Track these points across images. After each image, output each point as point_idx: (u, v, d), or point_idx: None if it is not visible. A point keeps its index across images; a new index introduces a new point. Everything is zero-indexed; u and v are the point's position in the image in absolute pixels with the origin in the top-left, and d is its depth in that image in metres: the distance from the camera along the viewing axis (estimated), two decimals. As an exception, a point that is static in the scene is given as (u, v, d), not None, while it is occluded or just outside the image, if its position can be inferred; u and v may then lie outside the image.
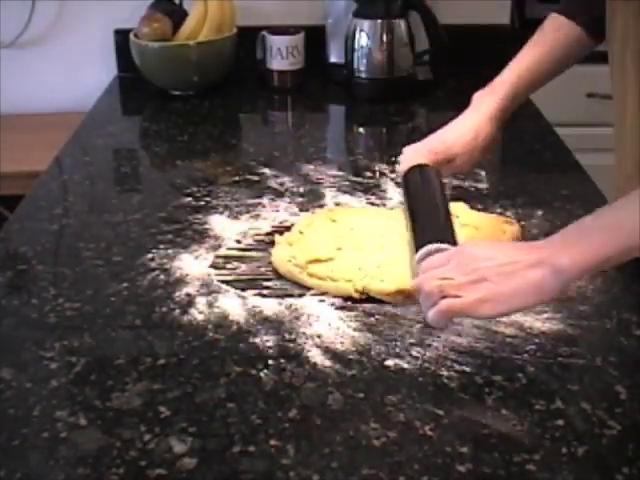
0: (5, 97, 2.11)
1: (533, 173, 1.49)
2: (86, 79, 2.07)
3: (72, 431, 0.89)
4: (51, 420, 0.91)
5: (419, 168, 1.24)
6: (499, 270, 0.93)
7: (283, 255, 1.18)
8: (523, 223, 1.29)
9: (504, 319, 1.05)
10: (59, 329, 1.07)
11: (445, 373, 0.98)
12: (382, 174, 1.51)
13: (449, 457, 0.86)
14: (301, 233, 1.24)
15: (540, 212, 1.32)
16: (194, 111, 1.86)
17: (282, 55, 1.95)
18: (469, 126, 1.30)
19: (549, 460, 0.85)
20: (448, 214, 1.16)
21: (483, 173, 1.49)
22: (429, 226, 1.13)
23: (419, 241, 1.09)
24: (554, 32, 1.35)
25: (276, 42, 1.95)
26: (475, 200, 1.38)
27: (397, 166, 1.30)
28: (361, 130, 1.77)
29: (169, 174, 1.53)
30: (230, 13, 1.97)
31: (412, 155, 1.27)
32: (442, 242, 1.06)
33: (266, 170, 1.51)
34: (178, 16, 1.94)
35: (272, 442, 0.88)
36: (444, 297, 0.94)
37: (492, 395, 0.95)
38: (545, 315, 1.08)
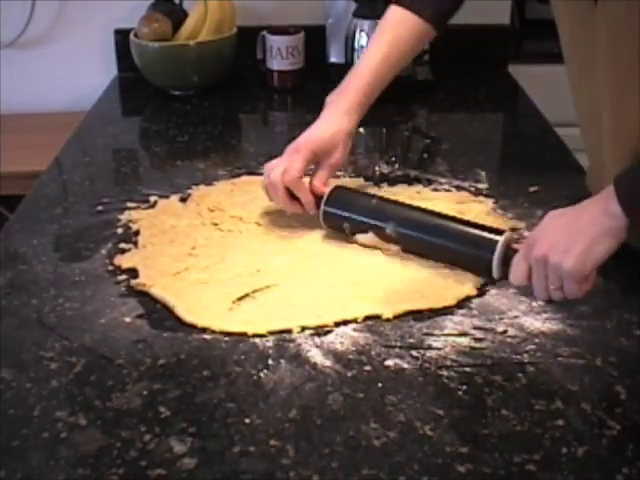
0: (5, 97, 2.11)
1: (533, 173, 1.49)
2: (86, 79, 2.07)
3: (72, 431, 0.89)
4: (51, 420, 0.91)
5: (340, 191, 1.26)
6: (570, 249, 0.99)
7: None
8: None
9: (505, 319, 1.08)
10: (59, 329, 1.06)
11: (445, 373, 0.99)
12: (382, 174, 1.50)
13: (449, 457, 0.86)
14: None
15: (540, 212, 1.31)
16: (194, 111, 1.86)
17: (282, 55, 1.95)
18: (329, 122, 1.32)
19: (549, 460, 0.85)
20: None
21: (483, 173, 1.49)
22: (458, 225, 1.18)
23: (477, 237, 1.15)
24: (398, 25, 1.36)
25: (276, 42, 1.95)
26: (475, 200, 1.39)
27: (274, 178, 1.25)
28: (361, 130, 1.77)
29: (169, 174, 1.53)
30: (230, 13, 1.97)
31: (288, 163, 1.25)
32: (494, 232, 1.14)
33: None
34: (178, 16, 1.94)
35: (272, 442, 0.88)
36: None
37: (492, 395, 0.95)
38: (545, 315, 1.09)
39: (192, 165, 1.56)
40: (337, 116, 1.32)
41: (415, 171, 1.52)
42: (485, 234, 1.15)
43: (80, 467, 0.85)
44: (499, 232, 1.14)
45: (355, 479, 0.83)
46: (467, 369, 0.99)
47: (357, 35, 1.88)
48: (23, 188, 1.53)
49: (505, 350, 1.03)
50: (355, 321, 1.07)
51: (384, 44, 1.35)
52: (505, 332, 1.06)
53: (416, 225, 1.20)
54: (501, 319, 1.09)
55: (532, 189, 1.41)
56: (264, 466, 0.85)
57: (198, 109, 1.87)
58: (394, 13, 1.37)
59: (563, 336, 1.05)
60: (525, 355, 1.02)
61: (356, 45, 1.89)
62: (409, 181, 1.48)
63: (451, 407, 0.93)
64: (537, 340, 1.05)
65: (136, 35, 1.91)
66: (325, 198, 1.24)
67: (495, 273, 1.11)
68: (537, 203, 1.36)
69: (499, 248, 1.11)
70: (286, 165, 1.24)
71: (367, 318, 1.07)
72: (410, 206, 1.23)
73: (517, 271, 1.05)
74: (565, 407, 0.93)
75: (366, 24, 1.86)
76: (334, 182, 1.30)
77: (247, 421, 0.91)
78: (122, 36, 2.00)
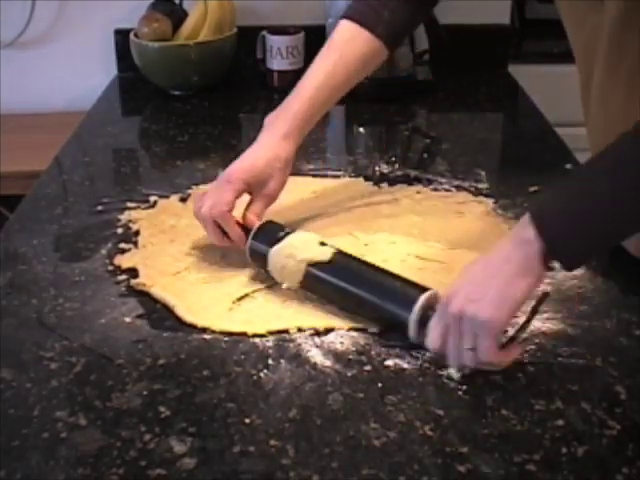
0: (5, 97, 2.11)
1: (533, 173, 1.48)
2: (86, 79, 2.07)
3: (72, 431, 0.89)
4: (51, 420, 0.91)
5: (270, 226, 1.17)
6: (485, 296, 0.95)
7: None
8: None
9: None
10: (59, 329, 1.06)
11: (445, 373, 0.98)
12: (382, 174, 1.51)
13: (449, 457, 0.86)
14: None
15: None
16: (194, 111, 1.86)
17: (282, 55, 1.95)
18: (266, 147, 1.24)
19: (549, 460, 0.85)
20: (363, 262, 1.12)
21: (483, 173, 1.49)
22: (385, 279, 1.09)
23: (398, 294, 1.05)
24: (348, 42, 1.28)
25: (276, 42, 1.96)
26: (475, 200, 1.39)
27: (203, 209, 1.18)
28: (361, 130, 1.76)
29: (169, 174, 1.53)
30: (230, 13, 1.97)
31: (218, 194, 1.18)
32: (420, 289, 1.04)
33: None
34: (178, 16, 1.94)
35: (272, 442, 0.88)
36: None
37: (492, 395, 0.95)
38: (545, 315, 1.08)
39: (192, 165, 1.56)
40: (275, 141, 1.24)
41: (415, 171, 1.52)
42: (409, 291, 1.05)
43: (80, 467, 0.85)
44: (425, 290, 1.05)
45: (355, 479, 0.83)
46: (466, 369, 0.98)
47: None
48: (23, 188, 1.53)
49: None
50: (342, 329, 1.06)
51: (330, 63, 1.27)
52: (505, 332, 1.02)
53: (339, 273, 1.10)
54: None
55: (532, 189, 1.40)
56: (264, 466, 0.85)
57: (198, 109, 1.88)
58: (344, 28, 1.29)
59: (563, 336, 1.05)
60: (525, 355, 1.01)
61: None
62: (409, 181, 1.48)
63: (451, 407, 0.93)
64: (537, 340, 1.04)
65: (136, 35, 1.91)
66: (252, 233, 1.16)
67: (412, 337, 1.02)
68: (537, 203, 1.37)
69: (416, 310, 1.02)
70: (214, 198, 1.17)
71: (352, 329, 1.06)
72: (342, 253, 1.13)
73: (433, 335, 0.99)
74: (565, 407, 0.93)
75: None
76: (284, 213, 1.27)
77: (247, 421, 0.91)
78: (122, 36, 2.01)
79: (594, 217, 0.94)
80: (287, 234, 1.14)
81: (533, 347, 1.03)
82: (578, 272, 1.16)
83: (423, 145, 1.72)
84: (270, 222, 1.19)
